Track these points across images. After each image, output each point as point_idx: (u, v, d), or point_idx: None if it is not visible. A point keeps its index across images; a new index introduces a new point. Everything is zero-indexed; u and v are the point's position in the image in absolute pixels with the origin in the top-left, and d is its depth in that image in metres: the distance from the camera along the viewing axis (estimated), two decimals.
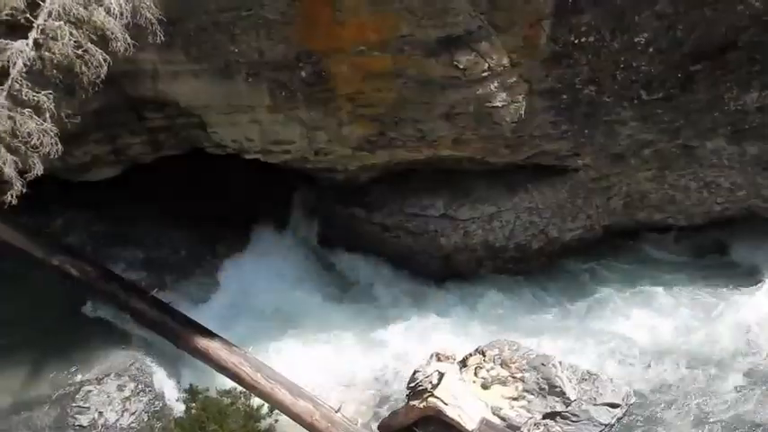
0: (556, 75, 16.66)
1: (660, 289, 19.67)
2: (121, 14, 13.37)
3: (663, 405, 17.75)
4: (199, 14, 15.65)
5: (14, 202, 13.09)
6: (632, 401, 16.47)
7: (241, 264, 19.99)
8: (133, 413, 16.37)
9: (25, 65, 12.95)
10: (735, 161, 18.69)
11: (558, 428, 15.45)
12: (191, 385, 14.72)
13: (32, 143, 12.96)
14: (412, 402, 15.71)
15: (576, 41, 16.27)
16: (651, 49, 16.65)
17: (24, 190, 13.11)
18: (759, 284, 19.74)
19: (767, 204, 19.34)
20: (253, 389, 16.15)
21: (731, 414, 17.55)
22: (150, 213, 20.28)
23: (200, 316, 18.05)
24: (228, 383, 16.43)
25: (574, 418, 15.59)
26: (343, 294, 19.81)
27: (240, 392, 15.11)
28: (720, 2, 16.28)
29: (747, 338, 18.79)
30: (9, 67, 12.91)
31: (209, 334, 17.17)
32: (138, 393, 16.65)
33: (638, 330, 18.92)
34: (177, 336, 17.40)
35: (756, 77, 17.41)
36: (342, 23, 15.60)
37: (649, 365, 18.42)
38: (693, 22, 16.48)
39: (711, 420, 17.44)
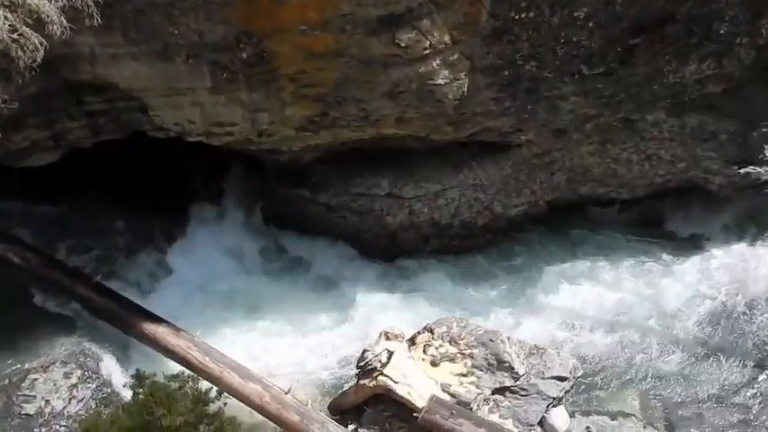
0: (497, 51, 16.67)
1: (604, 261, 19.96)
2: None
3: (610, 376, 17.95)
4: None
5: None
6: (579, 374, 16.64)
7: (186, 248, 19.87)
8: (80, 400, 16.20)
9: None
10: (675, 133, 18.91)
11: (508, 403, 15.57)
12: (137, 371, 14.56)
13: None
14: (362, 381, 15.74)
15: (517, 17, 16.27)
16: (591, 24, 16.71)
17: None
18: (697, 253, 20.07)
19: (707, 175, 19.56)
20: (202, 372, 16.03)
21: (675, 381, 17.86)
22: (92, 199, 20.00)
23: (147, 301, 17.95)
24: (177, 368, 16.32)
25: (523, 393, 15.72)
26: (290, 275, 19.73)
27: (188, 376, 14.94)
28: None
29: (688, 307, 19.11)
30: None
31: (157, 319, 17.03)
32: (86, 380, 16.48)
33: (583, 303, 19.17)
34: (124, 322, 17.24)
35: (694, 50, 17.58)
36: (283, 3, 15.44)
37: (596, 337, 18.63)
38: None
39: (657, 389, 17.72)
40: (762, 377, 17.87)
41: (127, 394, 16.16)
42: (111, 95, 17.15)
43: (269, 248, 20.36)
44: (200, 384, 14.86)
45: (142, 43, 15.98)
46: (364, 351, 16.02)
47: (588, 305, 19.12)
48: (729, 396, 17.65)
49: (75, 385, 16.32)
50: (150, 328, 16.89)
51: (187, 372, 15.87)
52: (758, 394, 17.62)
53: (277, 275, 19.67)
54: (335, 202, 19.21)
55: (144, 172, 20.15)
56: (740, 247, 20.30)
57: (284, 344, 18.10)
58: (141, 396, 13.92)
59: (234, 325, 18.24)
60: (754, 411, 17.27)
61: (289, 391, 15.98)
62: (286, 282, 19.49)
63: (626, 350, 18.38)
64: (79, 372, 16.57)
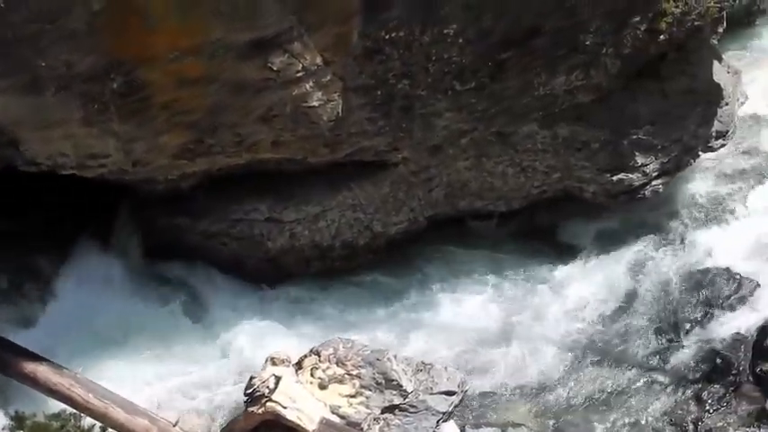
0: (369, 71, 16.71)
1: (486, 274, 20.09)
2: None
3: (498, 387, 18.15)
4: (1, 27, 15.06)
5: None
6: (467, 387, 16.78)
7: (66, 282, 19.34)
8: None
9: None
10: (548, 145, 19.19)
11: (398, 421, 15.61)
12: (17, 412, 14.21)
13: None
14: (250, 409, 15.58)
15: (387, 36, 16.33)
16: (461, 41, 16.85)
17: None
18: (577, 260, 20.46)
19: (581, 184, 19.89)
20: (86, 410, 15.67)
21: (562, 388, 18.15)
22: None
23: (27, 340, 17.36)
24: (59, 407, 15.95)
25: (412, 410, 15.77)
26: (172, 306, 19.34)
27: (70, 414, 14.70)
28: None
29: (570, 314, 19.44)
30: None
31: (37, 358, 16.53)
32: None
33: (467, 316, 19.29)
34: (1, 362, 16.76)
35: (562, 62, 17.87)
36: (152, 31, 15.22)
37: (482, 349, 18.81)
38: (499, 10, 16.74)
39: (546, 396, 17.98)
40: (644, 378, 18.31)
41: None
42: None
43: (151, 280, 19.97)
44: (83, 422, 14.63)
45: (9, 76, 15.55)
46: (251, 378, 15.87)
47: (472, 318, 19.26)
48: (615, 398, 18.00)
49: None
50: (30, 367, 16.37)
51: (69, 410, 15.58)
52: (641, 395, 18.04)
53: (158, 307, 19.25)
54: (215, 228, 19.00)
55: (24, 204, 19.66)
56: (617, 253, 20.66)
57: (169, 375, 17.79)
58: None
59: (116, 359, 17.86)
60: (638, 412, 17.70)
61: (176, 423, 15.76)
62: (167, 313, 19.12)
63: (512, 360, 18.56)
64: None
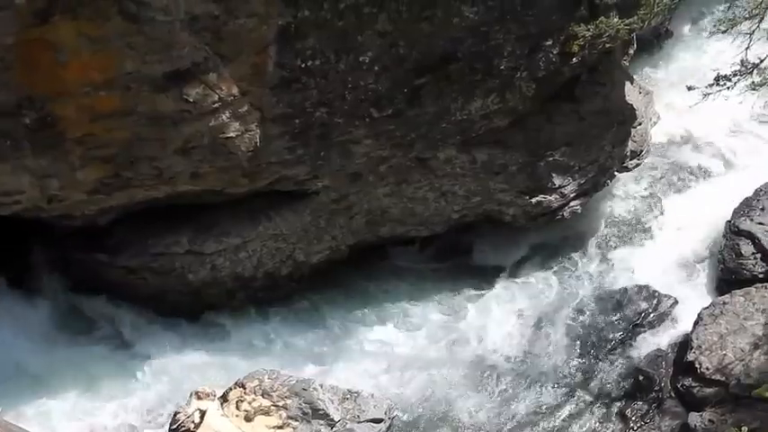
0: (287, 100, 16.68)
1: (410, 299, 20.19)
2: None
3: (426, 413, 18.20)
4: None
5: None
6: (395, 414, 16.81)
7: None
8: None
9: None
10: (467, 169, 19.33)
11: None
12: None
13: None
14: None
15: (303, 65, 16.34)
16: (376, 68, 16.93)
17: None
18: (500, 282, 20.60)
19: (501, 207, 20.06)
20: None
21: (490, 410, 18.28)
22: None
23: None
24: None
25: None
26: (92, 344, 19.09)
27: None
28: (436, 16, 16.70)
29: (495, 336, 19.55)
30: None
31: None
32: None
33: (392, 343, 19.36)
34: None
35: (478, 86, 18.02)
36: (64, 65, 15.09)
37: (408, 375, 18.82)
38: (413, 37, 16.84)
39: (473, 420, 18.06)
40: (569, 397, 18.60)
41: None
42: None
43: (73, 316, 19.67)
44: None
45: None
46: (176, 413, 15.77)
47: (398, 345, 19.33)
48: (541, 418, 18.28)
49: None
50: None
51: None
52: (567, 414, 18.31)
53: (81, 343, 19.01)
54: (135, 263, 18.75)
55: None
56: (539, 274, 20.88)
57: (93, 411, 17.60)
58: None
59: (39, 397, 17.62)
60: (564, 430, 17.89)
61: None
62: (90, 349, 18.87)
63: (439, 385, 18.67)
64: None
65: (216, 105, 16.12)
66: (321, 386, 16.38)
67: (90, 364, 18.52)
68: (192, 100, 15.83)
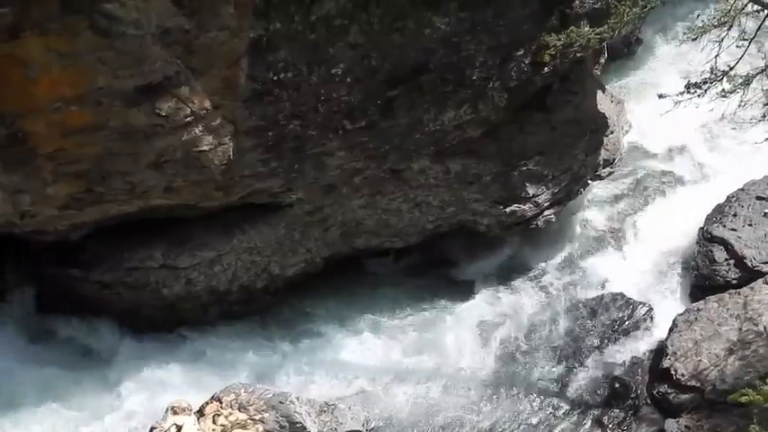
0: (259, 113, 16.64)
1: (385, 311, 20.17)
2: None
3: (402, 424, 18.19)
4: None
5: None
6: (372, 426, 16.79)
7: None
8: None
9: None
10: (441, 179, 19.35)
11: None
12: None
13: None
14: None
15: (276, 78, 16.31)
16: (349, 79, 16.92)
17: None
18: (474, 293, 20.62)
19: (475, 217, 20.11)
20: None
21: (467, 422, 18.28)
22: None
23: None
24: None
25: None
26: (65, 361, 18.88)
27: None
28: (408, 27, 16.72)
29: (470, 348, 19.56)
30: None
31: None
32: None
33: (369, 355, 19.32)
34: None
35: (451, 97, 18.04)
36: (34, 81, 15.00)
37: (386, 386, 18.81)
38: (385, 48, 16.85)
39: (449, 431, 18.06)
40: (546, 406, 18.65)
41: None
42: None
43: (46, 333, 19.52)
44: None
45: None
46: (152, 429, 15.70)
47: (373, 357, 19.29)
48: (519, 427, 18.26)
49: None
50: None
51: None
52: (544, 423, 18.36)
53: (54, 360, 18.81)
54: (109, 278, 18.63)
55: None
56: (515, 284, 20.94)
57: (68, 430, 17.42)
58: None
59: (11, 416, 17.51)
60: None
61: None
62: (64, 366, 18.66)
63: (415, 398, 18.65)
64: None
65: (188, 119, 16.07)
66: (298, 399, 16.35)
67: (63, 381, 18.35)
68: (164, 114, 15.77)
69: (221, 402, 16.14)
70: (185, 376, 18.53)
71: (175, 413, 15.80)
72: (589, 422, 18.18)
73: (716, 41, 15.43)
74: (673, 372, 17.74)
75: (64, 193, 16.70)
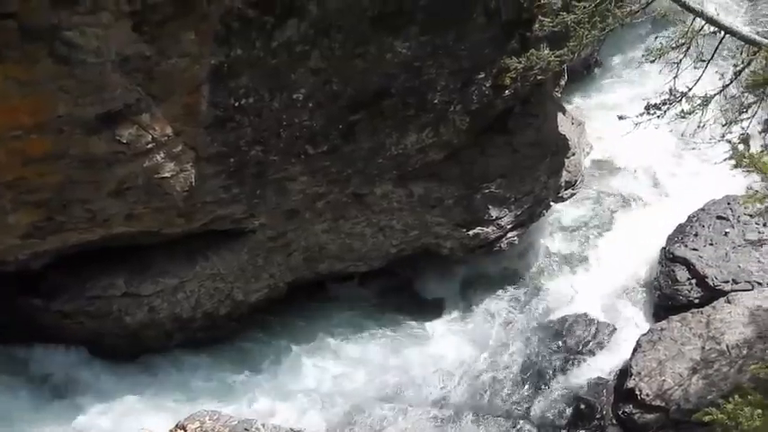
0: (221, 139, 16.58)
1: (349, 336, 20.13)
2: None
3: None
4: None
5: None
6: None
7: None
8: None
9: None
10: (404, 203, 19.38)
11: None
12: None
13: None
14: None
15: (237, 104, 16.26)
16: (311, 104, 16.90)
17: None
18: (439, 316, 20.64)
19: (438, 240, 20.15)
20: None
21: None
22: None
23: None
24: None
25: None
26: (31, 389, 18.74)
27: None
28: (369, 52, 16.77)
29: (438, 370, 19.56)
30: None
31: None
32: None
33: (333, 381, 19.26)
34: None
35: (412, 121, 18.09)
36: None
37: (351, 413, 18.75)
38: (347, 73, 16.86)
39: None
40: (512, 428, 18.61)
41: None
42: None
43: (7, 362, 19.23)
44: None
45: None
46: None
47: (338, 383, 19.23)
48: None
49: None
50: None
51: None
52: None
53: (16, 390, 18.60)
54: (70, 307, 18.43)
55: None
56: (479, 306, 20.97)
57: None
58: None
59: None
60: None
61: None
62: (26, 396, 18.51)
63: (381, 423, 18.58)
64: None
65: (150, 146, 15.97)
66: (263, 425, 16.24)
67: (24, 412, 18.15)
68: (125, 141, 15.66)
69: (185, 430, 16.02)
70: (150, 403, 18.38)
71: None
72: None
73: (674, 63, 15.57)
74: (637, 392, 17.77)
75: (24, 222, 16.53)
